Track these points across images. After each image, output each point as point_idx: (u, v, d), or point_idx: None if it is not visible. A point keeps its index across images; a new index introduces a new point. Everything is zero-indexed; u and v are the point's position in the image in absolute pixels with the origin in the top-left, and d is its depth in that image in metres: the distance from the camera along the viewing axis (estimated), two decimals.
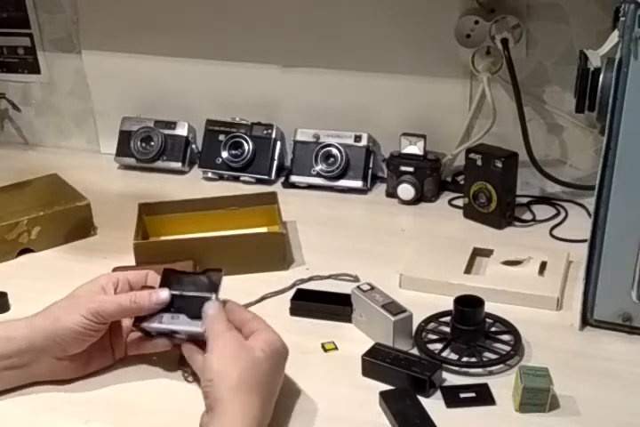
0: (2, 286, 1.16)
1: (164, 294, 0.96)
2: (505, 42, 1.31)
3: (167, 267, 1.01)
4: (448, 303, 1.03)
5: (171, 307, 0.97)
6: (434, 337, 1.04)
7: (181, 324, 0.96)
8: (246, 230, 1.29)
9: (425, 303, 1.10)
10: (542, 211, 1.38)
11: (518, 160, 1.32)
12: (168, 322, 0.97)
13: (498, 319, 1.05)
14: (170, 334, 0.97)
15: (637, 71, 0.92)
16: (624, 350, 1.02)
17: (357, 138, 1.48)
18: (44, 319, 0.95)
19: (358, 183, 1.47)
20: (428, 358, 0.98)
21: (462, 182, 1.40)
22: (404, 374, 0.95)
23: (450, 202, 1.43)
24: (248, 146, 1.52)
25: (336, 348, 1.04)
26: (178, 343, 0.98)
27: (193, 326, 0.94)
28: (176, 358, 1.01)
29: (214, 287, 0.97)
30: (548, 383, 0.90)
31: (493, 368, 0.98)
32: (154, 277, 1.01)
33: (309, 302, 1.11)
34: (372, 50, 1.43)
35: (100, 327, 0.95)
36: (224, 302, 0.97)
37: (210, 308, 0.94)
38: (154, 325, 0.97)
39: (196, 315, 0.95)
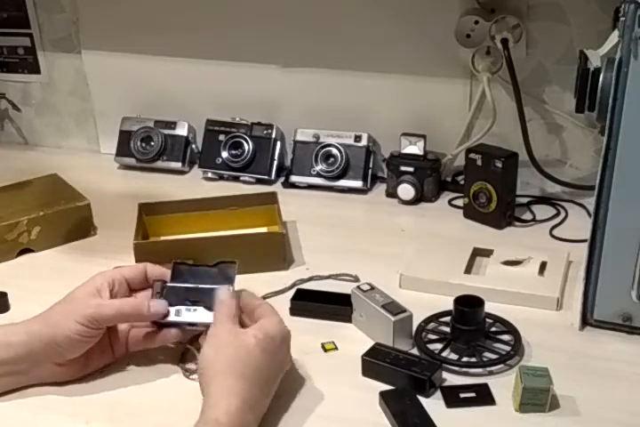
0: (2, 286, 1.16)
1: (162, 307, 0.97)
2: (505, 42, 1.31)
3: (177, 260, 1.01)
4: (448, 303, 1.03)
5: (187, 300, 0.97)
6: (434, 337, 1.04)
7: (199, 316, 0.97)
8: (246, 230, 1.29)
9: (425, 303, 1.10)
10: (542, 211, 1.38)
11: (518, 160, 1.32)
12: (186, 315, 0.97)
13: (498, 319, 1.05)
14: (183, 327, 0.98)
15: (637, 71, 0.92)
16: (624, 350, 1.02)
17: (357, 138, 1.48)
18: (42, 325, 0.94)
19: (358, 183, 1.47)
20: (428, 358, 0.98)
21: (462, 182, 1.40)
22: (404, 374, 0.95)
23: (450, 202, 1.43)
24: (248, 146, 1.52)
25: (336, 348, 1.04)
26: (189, 336, 0.99)
27: (211, 318, 0.95)
28: (177, 357, 1.01)
29: (230, 279, 0.99)
30: (548, 383, 0.90)
31: (493, 368, 0.98)
32: (153, 269, 1.01)
33: (309, 302, 1.11)
34: (371, 50, 1.43)
35: (96, 333, 0.95)
36: (239, 292, 0.98)
37: (222, 294, 0.96)
38: (172, 318, 0.97)
39: (213, 307, 0.96)
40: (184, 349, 1.02)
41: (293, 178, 1.50)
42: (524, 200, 1.41)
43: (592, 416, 0.91)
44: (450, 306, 1.02)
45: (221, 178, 1.55)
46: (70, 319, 0.93)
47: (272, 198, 1.31)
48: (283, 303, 1.11)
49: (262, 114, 1.54)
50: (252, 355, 0.89)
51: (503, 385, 0.95)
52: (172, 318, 0.97)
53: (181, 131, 1.58)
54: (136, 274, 1.00)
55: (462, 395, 0.94)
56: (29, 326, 0.95)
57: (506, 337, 1.03)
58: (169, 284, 0.99)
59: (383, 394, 0.93)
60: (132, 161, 1.59)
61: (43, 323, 0.95)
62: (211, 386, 0.87)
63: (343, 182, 1.48)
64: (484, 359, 0.99)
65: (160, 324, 0.98)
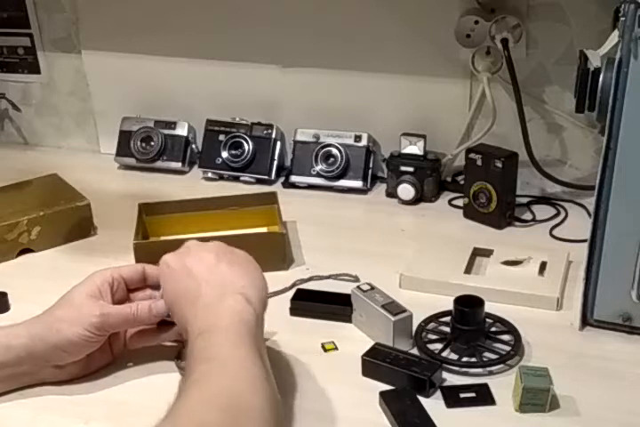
0: (2, 286, 1.16)
1: (163, 309, 0.96)
2: (505, 42, 1.31)
3: None
4: (448, 303, 1.03)
5: None
6: (434, 337, 1.04)
7: None
8: (246, 230, 1.29)
9: (425, 303, 1.10)
10: (542, 211, 1.38)
11: (518, 160, 1.32)
12: None
13: (498, 319, 1.05)
14: None
15: (637, 71, 0.92)
16: (624, 350, 1.02)
17: (357, 138, 1.48)
18: (46, 330, 0.94)
19: (358, 183, 1.47)
20: (428, 358, 0.98)
21: (462, 182, 1.40)
22: (403, 374, 0.95)
23: (450, 202, 1.43)
24: (248, 146, 1.52)
25: (336, 348, 1.04)
26: None
27: None
28: (174, 355, 1.01)
29: None
30: (547, 383, 0.90)
31: (493, 368, 0.98)
32: (151, 270, 1.01)
33: (309, 302, 1.11)
34: (371, 50, 1.43)
35: (102, 339, 0.95)
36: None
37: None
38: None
39: None
40: (181, 346, 1.02)
41: (293, 178, 1.50)
42: (524, 200, 1.41)
43: (592, 416, 0.91)
44: (450, 306, 1.02)
45: (221, 178, 1.55)
46: (76, 326, 0.93)
47: (272, 198, 1.31)
48: (283, 303, 1.11)
49: (262, 114, 1.54)
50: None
51: (503, 385, 0.95)
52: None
53: (181, 131, 1.58)
54: (134, 274, 1.00)
55: (462, 395, 0.94)
56: (31, 329, 0.94)
57: (506, 337, 1.03)
58: None
59: (383, 394, 0.93)
60: (132, 161, 1.59)
61: (46, 327, 0.94)
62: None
63: (343, 182, 1.48)
64: (484, 359, 0.99)
65: (160, 322, 0.98)
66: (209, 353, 0.82)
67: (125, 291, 1.00)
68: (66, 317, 0.94)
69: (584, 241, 1.04)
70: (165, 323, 0.98)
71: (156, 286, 1.00)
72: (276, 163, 1.53)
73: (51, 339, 0.93)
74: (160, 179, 1.57)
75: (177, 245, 1.20)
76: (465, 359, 0.99)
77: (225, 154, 1.53)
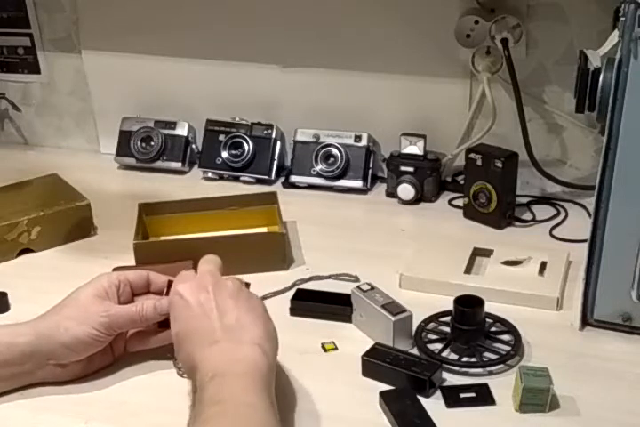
0: (2, 286, 1.16)
1: (166, 305, 0.96)
2: (505, 42, 1.31)
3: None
4: (448, 303, 1.03)
5: None
6: (434, 337, 1.04)
7: None
8: (246, 230, 1.29)
9: (425, 303, 1.10)
10: (542, 211, 1.39)
11: (518, 160, 1.32)
12: None
13: (498, 319, 1.05)
14: None
15: (637, 71, 0.92)
16: (624, 350, 1.02)
17: (357, 138, 1.48)
18: (52, 328, 0.94)
19: (358, 183, 1.47)
20: (428, 358, 0.98)
21: (462, 182, 1.40)
22: (403, 374, 0.95)
23: (450, 202, 1.43)
24: (248, 146, 1.52)
25: (336, 348, 1.04)
26: None
27: None
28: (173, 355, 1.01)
29: None
30: (547, 383, 0.90)
31: (493, 368, 0.98)
32: (156, 277, 1.01)
33: (309, 302, 1.11)
34: (371, 50, 1.43)
35: (109, 339, 0.96)
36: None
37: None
38: None
39: None
40: None
41: (293, 178, 1.50)
42: (524, 200, 1.41)
43: (592, 416, 0.91)
44: (450, 306, 1.02)
45: (221, 178, 1.55)
46: (84, 325, 0.93)
47: (272, 198, 1.31)
48: (283, 303, 1.12)
49: (262, 114, 1.54)
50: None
51: (503, 385, 0.95)
52: None
53: (181, 131, 1.58)
54: (139, 279, 1.01)
55: (462, 395, 0.94)
56: (37, 327, 0.95)
57: (506, 337, 1.03)
58: None
59: (383, 394, 0.93)
60: (132, 161, 1.59)
61: (53, 325, 0.94)
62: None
63: (343, 182, 1.48)
64: (484, 359, 0.99)
65: (162, 324, 0.98)
66: (220, 396, 0.81)
67: (131, 294, 1.00)
68: (73, 315, 0.95)
69: (584, 241, 1.04)
70: (166, 325, 0.98)
71: (159, 293, 1.00)
72: (275, 163, 1.53)
73: (58, 337, 0.93)
74: (160, 179, 1.57)
75: (177, 245, 1.21)
76: (465, 359, 0.99)
77: (225, 154, 1.53)
